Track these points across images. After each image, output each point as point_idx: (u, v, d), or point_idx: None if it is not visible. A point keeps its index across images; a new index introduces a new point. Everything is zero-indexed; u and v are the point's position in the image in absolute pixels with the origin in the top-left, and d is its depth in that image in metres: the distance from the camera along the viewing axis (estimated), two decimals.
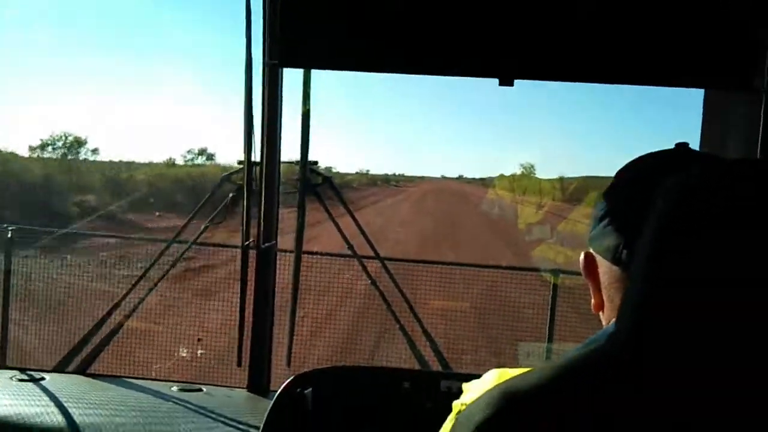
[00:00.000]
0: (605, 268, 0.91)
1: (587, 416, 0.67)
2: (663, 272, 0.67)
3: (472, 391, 0.86)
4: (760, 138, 2.08)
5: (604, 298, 0.92)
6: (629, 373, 0.68)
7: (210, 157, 33.89)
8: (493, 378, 0.86)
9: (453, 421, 0.82)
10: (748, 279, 0.62)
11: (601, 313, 0.94)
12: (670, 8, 2.07)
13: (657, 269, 0.68)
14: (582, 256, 0.95)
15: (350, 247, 2.98)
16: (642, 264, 0.70)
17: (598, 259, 0.92)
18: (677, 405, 0.65)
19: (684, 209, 0.67)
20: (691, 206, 0.66)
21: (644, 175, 0.88)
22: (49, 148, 24.48)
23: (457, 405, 0.86)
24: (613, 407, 0.67)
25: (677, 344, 0.65)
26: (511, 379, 0.77)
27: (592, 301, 0.95)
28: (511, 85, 2.14)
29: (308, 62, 2.34)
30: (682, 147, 0.91)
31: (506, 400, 0.72)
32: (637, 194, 0.84)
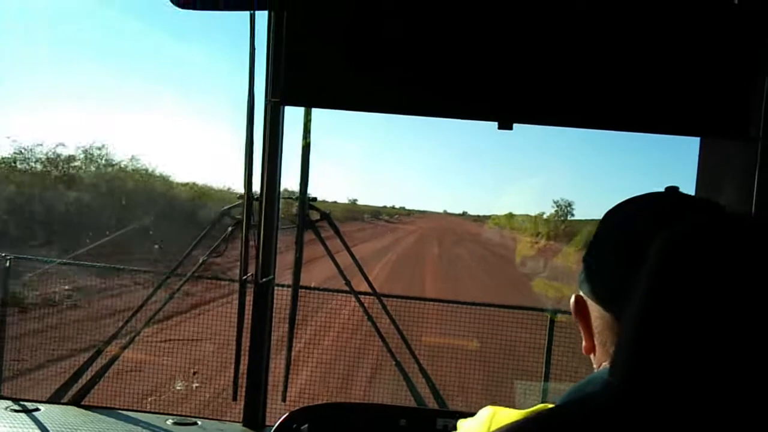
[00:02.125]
0: (597, 313, 0.89)
1: None
2: (656, 328, 0.68)
3: (466, 429, 0.89)
4: (756, 185, 2.11)
5: (596, 342, 0.91)
6: (623, 425, 0.68)
7: None
8: (486, 416, 0.87)
9: None
10: (742, 333, 0.63)
11: (592, 355, 0.92)
12: (668, 57, 2.11)
13: (650, 325, 0.69)
14: (573, 299, 0.93)
15: (347, 282, 3.00)
16: (635, 319, 0.71)
17: (590, 303, 0.90)
18: None
19: (677, 266, 0.68)
20: (683, 264, 0.68)
21: (631, 219, 0.88)
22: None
23: None
24: None
25: (671, 398, 0.66)
26: (503, 428, 0.77)
27: (583, 343, 0.93)
28: (510, 128, 2.17)
29: (310, 101, 2.38)
30: (671, 191, 0.90)
31: None
32: (624, 239, 0.84)
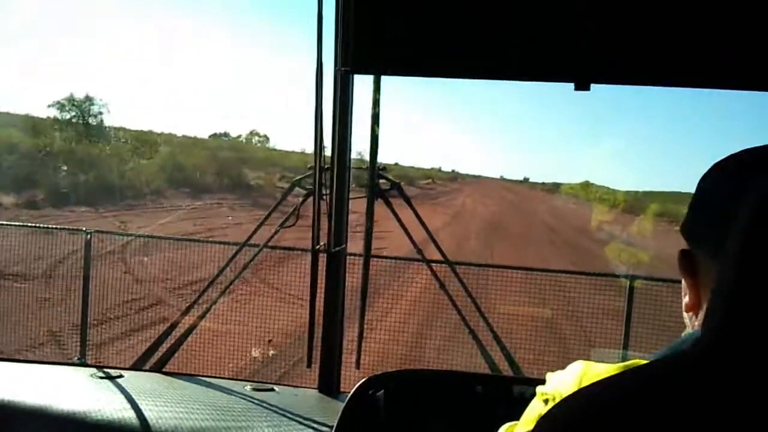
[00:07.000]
0: (707, 267, 0.83)
1: (670, 426, 0.65)
2: (751, 283, 0.65)
3: (556, 382, 0.88)
4: None
5: (703, 298, 0.85)
6: (717, 378, 0.65)
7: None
8: (579, 369, 0.86)
9: (537, 413, 0.83)
10: None
11: (691, 314, 0.87)
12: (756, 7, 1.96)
13: (745, 279, 0.65)
14: (679, 252, 0.88)
15: (419, 251, 2.98)
16: (729, 270, 0.67)
17: (699, 255, 0.85)
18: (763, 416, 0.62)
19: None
20: None
21: (743, 168, 0.82)
22: None
23: (541, 393, 0.87)
24: (696, 417, 0.64)
25: (764, 358, 0.63)
26: (594, 384, 0.75)
27: (686, 300, 0.87)
28: (588, 89, 2.07)
29: (381, 69, 2.34)
30: None
31: (588, 408, 0.70)
32: (729, 192, 0.79)
